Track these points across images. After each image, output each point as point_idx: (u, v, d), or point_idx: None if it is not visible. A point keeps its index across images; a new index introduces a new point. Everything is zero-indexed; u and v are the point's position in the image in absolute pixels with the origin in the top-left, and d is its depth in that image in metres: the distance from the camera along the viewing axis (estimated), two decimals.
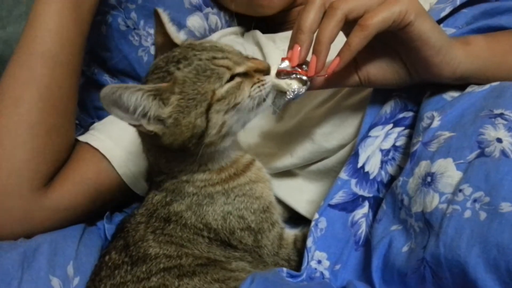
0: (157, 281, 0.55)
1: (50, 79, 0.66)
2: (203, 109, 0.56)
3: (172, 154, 0.60)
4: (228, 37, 0.91)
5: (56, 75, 0.67)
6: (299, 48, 0.53)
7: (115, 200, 0.76)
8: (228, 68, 0.57)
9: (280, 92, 0.57)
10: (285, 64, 0.56)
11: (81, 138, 0.75)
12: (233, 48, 0.61)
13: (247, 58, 0.60)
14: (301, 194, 0.73)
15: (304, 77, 0.55)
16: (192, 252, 0.59)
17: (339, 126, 0.69)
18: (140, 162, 0.72)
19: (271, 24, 0.92)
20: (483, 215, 0.44)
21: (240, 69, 0.58)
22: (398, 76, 0.59)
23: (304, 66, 0.56)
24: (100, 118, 0.88)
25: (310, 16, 0.52)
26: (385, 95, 0.64)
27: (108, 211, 0.75)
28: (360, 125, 0.65)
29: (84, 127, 0.90)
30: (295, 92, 0.56)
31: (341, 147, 0.70)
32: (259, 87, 0.57)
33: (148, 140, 0.61)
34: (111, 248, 0.62)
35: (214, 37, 0.90)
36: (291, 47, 0.55)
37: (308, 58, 0.55)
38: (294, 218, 0.72)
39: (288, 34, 0.81)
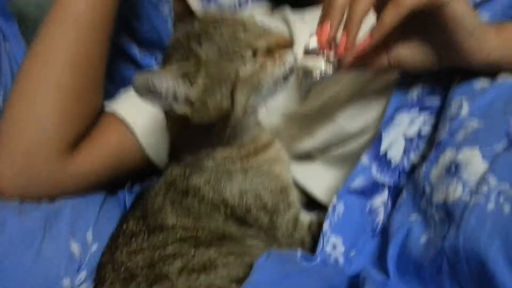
0: (173, 249, 0.55)
1: (82, 44, 0.67)
2: (228, 90, 0.55)
3: (195, 132, 0.60)
4: (256, 16, 0.89)
5: (88, 40, 0.67)
6: (329, 24, 0.52)
7: (137, 170, 0.76)
8: (250, 44, 0.56)
9: (307, 73, 0.56)
10: (313, 43, 0.54)
11: (107, 106, 0.76)
12: (254, 20, 0.60)
13: (269, 31, 0.58)
14: (319, 179, 0.72)
15: (332, 57, 0.54)
16: (209, 226, 0.60)
17: (363, 109, 0.68)
18: (163, 135, 0.72)
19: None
20: (507, 208, 0.43)
21: (261, 44, 0.56)
22: (428, 60, 0.57)
23: (333, 44, 0.54)
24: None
25: None
26: (413, 79, 0.62)
27: (129, 182, 0.75)
28: (384, 109, 0.64)
29: (109, 96, 0.90)
30: (322, 74, 0.54)
31: (363, 131, 0.68)
32: (280, 65, 0.56)
33: (176, 120, 0.60)
34: (129, 217, 0.63)
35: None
36: (320, 23, 0.53)
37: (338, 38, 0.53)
38: (311, 203, 0.71)
39: (319, 10, 0.81)
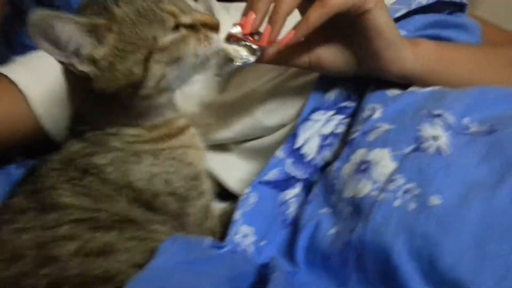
0: (68, 230, 0.50)
1: None
2: (142, 57, 0.52)
3: (101, 102, 0.55)
4: None
5: None
6: (254, 15, 0.51)
7: (30, 143, 0.70)
8: (173, 15, 0.53)
9: (227, 58, 0.54)
10: (237, 29, 0.53)
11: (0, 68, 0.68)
12: None
13: (195, 10, 0.56)
14: (233, 170, 0.71)
15: (255, 46, 0.53)
16: (111, 208, 0.55)
17: (282, 105, 0.68)
18: (63, 105, 0.65)
19: None
20: (412, 205, 0.46)
21: (186, 20, 0.54)
22: (347, 64, 0.59)
23: (256, 36, 0.54)
24: None
25: None
26: (331, 82, 0.64)
27: (19, 156, 0.69)
28: (302, 107, 0.65)
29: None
30: (243, 60, 0.53)
31: (281, 126, 0.69)
32: (205, 44, 0.54)
33: (76, 81, 0.55)
34: (17, 191, 0.56)
35: None
36: (245, 14, 0.52)
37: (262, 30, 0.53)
38: (224, 195, 0.70)
39: (243, 4, 0.81)
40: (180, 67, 0.54)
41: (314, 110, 0.63)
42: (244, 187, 0.61)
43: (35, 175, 0.57)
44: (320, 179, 0.58)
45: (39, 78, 0.67)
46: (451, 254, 0.41)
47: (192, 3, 0.67)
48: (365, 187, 0.50)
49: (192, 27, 0.54)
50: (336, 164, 0.56)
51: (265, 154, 0.69)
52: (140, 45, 0.52)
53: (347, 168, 0.54)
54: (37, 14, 0.46)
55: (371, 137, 0.54)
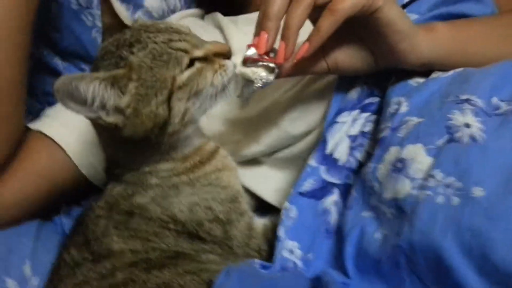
0: (124, 276, 0.52)
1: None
2: (164, 97, 0.53)
3: (132, 146, 0.57)
4: (188, 19, 0.87)
5: (3, 60, 0.61)
6: (266, 35, 0.51)
7: (73, 192, 0.72)
8: (186, 51, 0.54)
9: (248, 81, 0.55)
10: (251, 51, 0.53)
11: (32, 125, 0.70)
12: (189, 29, 0.58)
13: (205, 41, 0.57)
14: (267, 182, 0.71)
15: (272, 65, 0.54)
16: (159, 246, 0.56)
17: (305, 112, 0.68)
18: (98, 151, 0.68)
19: (232, 6, 0.89)
20: (455, 200, 0.45)
21: (199, 53, 0.55)
22: (365, 63, 0.58)
23: (271, 53, 0.54)
24: (50, 104, 0.82)
25: (277, 1, 0.50)
26: (351, 80, 0.63)
27: (65, 204, 0.71)
28: (326, 110, 0.64)
29: (33, 114, 0.84)
30: (263, 80, 0.54)
31: (308, 133, 0.69)
32: (221, 74, 0.55)
33: (105, 132, 0.57)
34: (69, 244, 0.58)
35: (173, 19, 0.86)
36: (257, 34, 0.52)
37: (276, 45, 0.53)
38: (263, 207, 0.70)
39: (251, 16, 0.81)
40: (201, 99, 0.55)
41: (339, 112, 0.62)
42: (281, 198, 0.61)
43: (83, 225, 0.59)
44: (357, 181, 0.58)
45: (72, 129, 0.69)
46: (504, 246, 0.40)
47: (199, 28, 0.68)
48: (404, 187, 0.49)
49: (205, 58, 0.55)
50: (370, 165, 0.55)
51: (296, 162, 0.69)
52: (160, 87, 0.53)
53: (383, 168, 0.53)
54: (61, 80, 0.48)
55: (402, 132, 0.53)
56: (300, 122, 0.68)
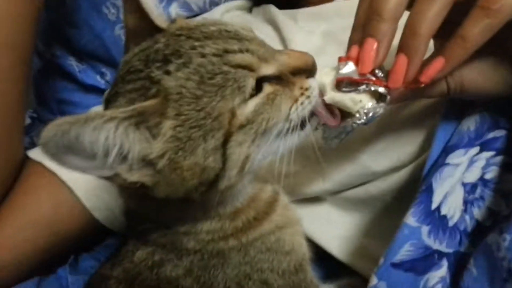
0: None
1: None
2: (218, 142, 0.37)
3: (165, 201, 0.41)
4: (233, 13, 0.72)
5: None
6: (376, 44, 0.38)
7: (82, 239, 0.60)
8: (251, 68, 0.38)
9: (344, 113, 0.40)
10: (349, 68, 0.38)
11: (33, 154, 0.59)
12: (253, 32, 0.42)
13: (276, 50, 0.41)
14: (330, 226, 0.60)
15: (382, 89, 0.38)
16: None
17: (393, 143, 0.56)
18: (113, 191, 0.55)
19: None
20: None
21: (269, 70, 0.40)
22: (502, 83, 0.44)
23: (378, 71, 0.39)
24: (64, 114, 0.69)
25: None
26: (465, 104, 0.49)
27: (73, 255, 0.59)
28: (425, 142, 0.53)
29: (44, 123, 0.72)
30: (370, 115, 0.38)
31: (393, 170, 0.56)
32: (302, 103, 0.40)
33: (127, 189, 0.42)
34: None
35: (215, 13, 0.70)
36: (356, 42, 0.40)
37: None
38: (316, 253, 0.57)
39: (315, 10, 0.66)
40: (269, 140, 0.40)
41: (449, 149, 0.48)
42: (348, 248, 0.53)
43: None
44: (479, 255, 0.43)
45: None
46: None
47: (245, 17, 0.52)
48: None
49: (279, 77, 0.40)
50: (507, 237, 0.40)
51: (373, 204, 0.59)
52: (212, 128, 0.37)
53: None
54: (51, 128, 0.31)
55: None
56: (385, 155, 0.56)
